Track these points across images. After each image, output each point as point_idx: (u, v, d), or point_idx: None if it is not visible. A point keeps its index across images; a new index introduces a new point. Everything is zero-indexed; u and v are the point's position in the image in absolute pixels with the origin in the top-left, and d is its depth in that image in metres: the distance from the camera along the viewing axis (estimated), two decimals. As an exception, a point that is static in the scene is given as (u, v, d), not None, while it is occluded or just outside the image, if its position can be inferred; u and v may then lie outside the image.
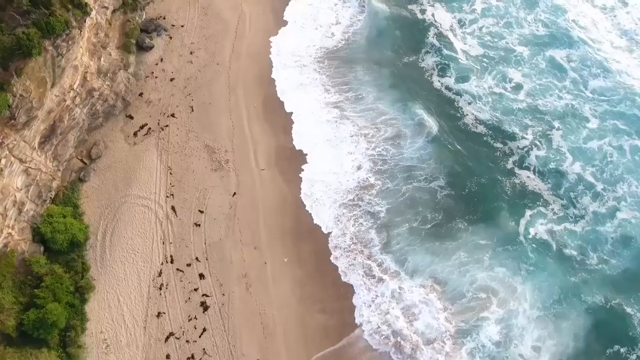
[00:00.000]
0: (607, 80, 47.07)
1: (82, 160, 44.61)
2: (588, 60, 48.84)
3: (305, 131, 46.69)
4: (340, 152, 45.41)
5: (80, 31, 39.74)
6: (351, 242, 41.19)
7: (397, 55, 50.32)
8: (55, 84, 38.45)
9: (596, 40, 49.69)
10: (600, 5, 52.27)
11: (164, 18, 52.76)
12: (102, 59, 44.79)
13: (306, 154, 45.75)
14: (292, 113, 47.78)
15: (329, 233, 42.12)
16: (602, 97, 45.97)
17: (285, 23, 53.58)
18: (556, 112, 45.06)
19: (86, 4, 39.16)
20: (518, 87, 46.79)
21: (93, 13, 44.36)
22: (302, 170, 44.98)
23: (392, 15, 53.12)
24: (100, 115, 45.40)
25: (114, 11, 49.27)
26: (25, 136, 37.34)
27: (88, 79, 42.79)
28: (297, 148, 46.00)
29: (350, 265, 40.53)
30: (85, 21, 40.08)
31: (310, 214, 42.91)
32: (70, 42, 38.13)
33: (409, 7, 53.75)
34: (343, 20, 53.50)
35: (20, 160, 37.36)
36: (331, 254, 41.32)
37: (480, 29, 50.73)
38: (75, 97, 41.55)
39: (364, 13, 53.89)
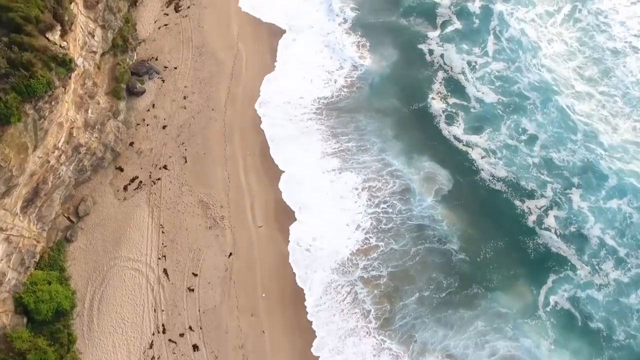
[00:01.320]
0: (619, 134, 44.37)
1: (68, 218, 42.15)
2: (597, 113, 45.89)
3: (299, 184, 44.02)
4: (338, 208, 42.72)
5: (65, 88, 37.26)
6: (341, 320, 38.23)
7: (403, 103, 47.53)
8: (38, 147, 35.96)
9: (605, 92, 47.08)
10: (611, 48, 49.62)
11: (156, 59, 50.25)
12: (89, 110, 42.30)
13: (297, 210, 42.97)
14: (286, 164, 45.18)
15: (317, 306, 39.19)
16: (616, 153, 43.35)
17: (282, 65, 50.87)
18: (573, 167, 42.33)
19: (71, 60, 36.59)
20: (532, 139, 43.98)
21: (80, 61, 42.06)
22: (291, 230, 42.25)
23: (399, 58, 50.43)
24: (88, 169, 42.92)
25: (103, 54, 46.91)
26: (5, 204, 34.78)
27: (74, 134, 40.28)
28: (287, 203, 43.43)
29: (338, 351, 37.45)
30: (70, 77, 37.57)
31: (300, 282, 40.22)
32: (53, 103, 35.61)
33: (418, 46, 51.08)
34: (345, 64, 50.61)
35: (0, 229, 34.92)
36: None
37: (491, 73, 47.87)
38: (60, 155, 39.04)
39: (368, 57, 51.09)
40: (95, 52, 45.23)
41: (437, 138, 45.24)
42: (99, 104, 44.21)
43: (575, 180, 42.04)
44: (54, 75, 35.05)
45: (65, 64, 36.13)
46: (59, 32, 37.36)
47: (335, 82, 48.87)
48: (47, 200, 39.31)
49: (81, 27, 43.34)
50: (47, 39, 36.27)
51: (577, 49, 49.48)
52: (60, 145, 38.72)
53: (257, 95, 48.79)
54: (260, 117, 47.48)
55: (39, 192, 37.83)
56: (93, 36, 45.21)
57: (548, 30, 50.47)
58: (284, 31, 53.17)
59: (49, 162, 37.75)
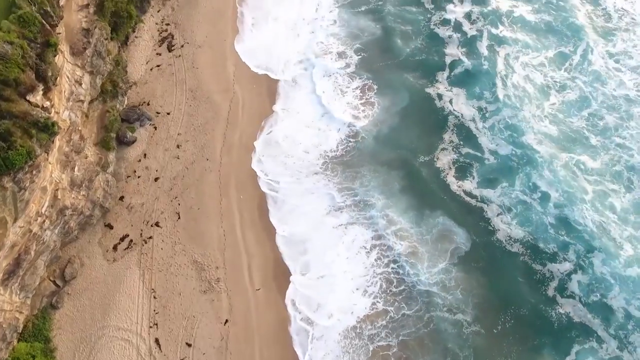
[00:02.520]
0: (633, 194, 41.90)
1: (54, 282, 39.65)
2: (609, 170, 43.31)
3: (300, 243, 41.57)
4: (343, 270, 40.24)
5: (48, 153, 34.81)
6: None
7: (412, 154, 45.03)
8: (19, 218, 33.48)
9: (620, 144, 44.49)
10: (624, 96, 47.06)
11: (148, 104, 47.74)
12: (75, 168, 39.79)
13: (297, 272, 40.48)
14: (286, 220, 42.67)
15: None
16: (630, 215, 40.83)
17: (281, 110, 48.37)
18: (590, 230, 39.88)
19: (54, 123, 34.06)
20: (545, 198, 41.50)
21: (66, 114, 39.71)
22: (291, 294, 39.75)
23: (408, 103, 47.93)
24: (75, 229, 40.48)
25: (91, 101, 44.47)
26: (-16, 282, 32.46)
27: (59, 196, 37.76)
28: (287, 263, 40.94)
29: None
30: (53, 141, 35.13)
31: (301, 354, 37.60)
32: (34, 172, 33.15)
33: (427, 90, 48.63)
34: (350, 112, 47.84)
35: (-22, 308, 32.53)
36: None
37: (500, 121, 45.44)
38: (44, 221, 36.56)
39: (375, 104, 48.42)
40: (82, 101, 42.74)
41: (448, 193, 42.68)
42: (86, 157, 41.71)
43: (595, 243, 39.55)
44: (35, 143, 32.53)
45: (48, 129, 33.61)
46: (41, 92, 34.83)
47: (338, 131, 46.28)
48: (30, 268, 36.79)
49: (67, 77, 40.86)
50: (28, 101, 33.73)
51: (588, 96, 47.00)
52: (43, 211, 36.19)
53: (253, 143, 46.28)
54: (257, 172, 44.95)
55: (20, 263, 35.26)
56: (80, 84, 42.73)
57: (558, 75, 47.97)
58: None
59: (31, 230, 35.21)
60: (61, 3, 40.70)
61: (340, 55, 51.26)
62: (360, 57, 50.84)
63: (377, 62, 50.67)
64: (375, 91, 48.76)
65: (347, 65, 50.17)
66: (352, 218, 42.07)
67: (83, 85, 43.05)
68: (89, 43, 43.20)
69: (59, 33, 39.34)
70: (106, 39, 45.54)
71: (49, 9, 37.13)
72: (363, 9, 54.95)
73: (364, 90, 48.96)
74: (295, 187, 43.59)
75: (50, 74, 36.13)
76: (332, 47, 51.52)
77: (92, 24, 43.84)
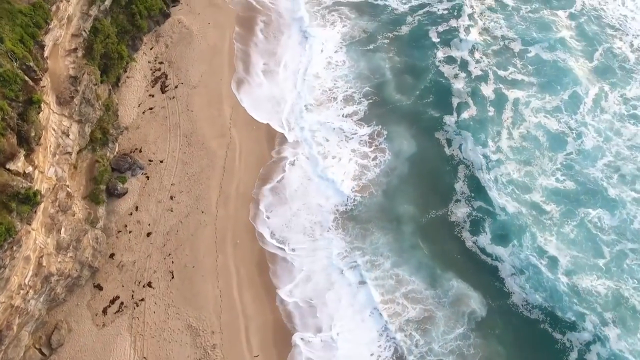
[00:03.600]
0: None
1: (40, 350, 37.26)
2: (626, 229, 40.82)
3: (302, 305, 39.39)
4: (348, 338, 37.90)
5: (30, 224, 32.51)
6: None
7: (423, 207, 42.86)
8: (-1, 295, 31.25)
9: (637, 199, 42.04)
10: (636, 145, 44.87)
11: (140, 151, 45.44)
12: (62, 230, 37.38)
13: (298, 336, 38.19)
14: (287, 280, 40.42)
15: None
16: None
17: (277, 156, 46.09)
18: (604, 300, 37.69)
19: (36, 193, 31.77)
20: (554, 263, 39.08)
21: (52, 171, 37.46)
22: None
23: (417, 150, 45.86)
24: (62, 293, 38.21)
25: (80, 151, 42.27)
26: (-39, 366, 30.17)
27: (44, 263, 35.40)
28: (288, 327, 38.71)
29: None
30: (35, 212, 32.84)
31: None
32: (15, 247, 30.87)
33: (436, 135, 46.64)
34: (358, 163, 45.54)
35: (-45, 393, 30.25)
36: None
37: (502, 175, 43.17)
38: (27, 292, 34.28)
39: (384, 153, 46.16)
40: (70, 153, 40.49)
41: (462, 250, 40.41)
42: (74, 215, 39.33)
43: (609, 315, 37.24)
44: (15, 217, 30.29)
45: (29, 200, 31.32)
46: (22, 158, 32.51)
47: (342, 182, 43.96)
48: (13, 340, 34.53)
49: (53, 130, 38.62)
50: (8, 170, 31.41)
51: (602, 146, 44.75)
52: (27, 281, 33.87)
53: (252, 193, 44.00)
54: (261, 232, 42.55)
55: (2, 340, 32.99)
56: (68, 135, 40.48)
57: (574, 120, 45.59)
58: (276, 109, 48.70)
59: (12, 305, 32.92)
60: (45, 54, 38.57)
61: (347, 100, 49.10)
62: (369, 101, 48.81)
63: (385, 106, 48.66)
64: (385, 137, 46.77)
65: (355, 113, 48.04)
66: (363, 278, 39.73)
67: (71, 136, 40.82)
68: (77, 91, 40.98)
69: (43, 86, 37.07)
70: (95, 85, 43.33)
71: (31, 63, 34.87)
72: (371, 47, 53.00)
73: (373, 136, 46.81)
74: (302, 247, 41.22)
75: (33, 134, 33.89)
76: (339, 92, 49.47)
77: (80, 70, 41.62)
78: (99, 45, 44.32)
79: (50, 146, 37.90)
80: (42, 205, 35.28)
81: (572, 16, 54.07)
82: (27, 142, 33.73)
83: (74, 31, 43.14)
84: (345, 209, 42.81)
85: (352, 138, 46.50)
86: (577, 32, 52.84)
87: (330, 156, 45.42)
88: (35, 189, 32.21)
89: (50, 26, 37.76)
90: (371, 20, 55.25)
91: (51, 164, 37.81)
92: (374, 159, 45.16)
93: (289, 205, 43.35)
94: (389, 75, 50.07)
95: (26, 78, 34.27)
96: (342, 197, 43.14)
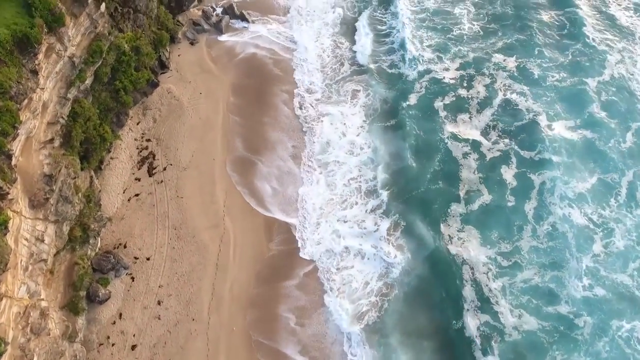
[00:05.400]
0: None
1: None
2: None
3: None
4: None
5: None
6: None
7: (440, 318, 39.04)
8: None
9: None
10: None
11: (125, 246, 41.68)
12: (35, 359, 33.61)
13: None
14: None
15: None
16: None
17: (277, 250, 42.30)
18: None
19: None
20: None
21: (23, 290, 33.76)
22: None
23: (430, 251, 41.90)
24: None
25: (57, 253, 38.43)
26: None
27: (12, 405, 31.65)
28: None
29: None
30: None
31: None
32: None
33: (441, 231, 42.41)
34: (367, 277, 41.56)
35: None
36: None
37: (525, 283, 39.13)
38: None
39: (404, 249, 42.39)
40: (45, 260, 36.79)
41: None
42: (49, 334, 35.59)
43: None
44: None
45: (-7, 354, 27.52)
46: (-14, 295, 28.73)
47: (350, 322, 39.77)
48: None
49: (25, 239, 35.10)
50: (-34, 317, 27.62)
51: (637, 246, 40.67)
52: None
53: (248, 295, 40.12)
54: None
55: None
56: (42, 240, 36.91)
57: (604, 214, 41.70)
58: (278, 199, 44.75)
59: None
60: (15, 153, 34.76)
61: (369, 194, 45.81)
62: (388, 192, 45.41)
63: (402, 196, 45.17)
64: (402, 228, 43.26)
65: (379, 206, 44.69)
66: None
67: (46, 240, 37.24)
68: (52, 191, 37.28)
69: (12, 198, 33.23)
70: (74, 178, 39.66)
71: (-4, 179, 31.07)
72: (392, 122, 49.99)
73: (390, 230, 43.23)
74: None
75: (-1, 261, 30.00)
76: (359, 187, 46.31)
77: (57, 166, 38.04)
78: (78, 131, 40.88)
79: (21, 261, 34.44)
80: (10, 335, 31.54)
81: (600, 86, 50.84)
82: (-8, 273, 29.91)
83: (50, 119, 39.64)
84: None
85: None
86: (607, 106, 49.47)
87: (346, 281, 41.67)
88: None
89: (19, 130, 33.83)
90: (389, 89, 52.38)
91: (22, 281, 34.11)
92: (396, 256, 41.51)
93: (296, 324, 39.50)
94: (406, 159, 46.77)
95: (-10, 198, 30.48)
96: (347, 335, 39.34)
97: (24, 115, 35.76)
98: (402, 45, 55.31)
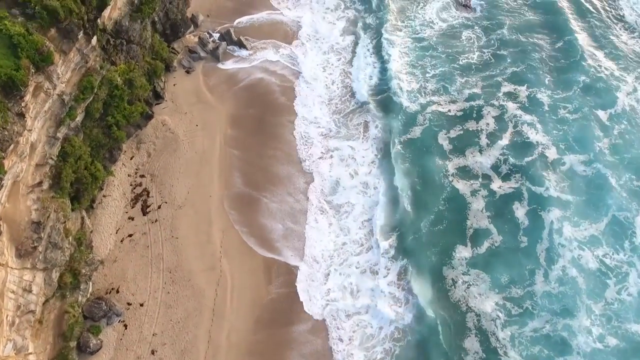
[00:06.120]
0: None
1: None
2: None
3: None
4: None
5: None
6: None
7: None
8: None
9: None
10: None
11: (117, 291, 40.17)
12: None
13: None
14: None
15: None
16: None
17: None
18: None
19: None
20: None
21: (9, 347, 32.12)
22: None
23: (435, 293, 40.38)
24: None
25: (46, 301, 36.83)
26: None
27: None
28: None
29: None
30: None
31: None
32: None
33: (444, 273, 40.88)
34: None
35: None
36: None
37: (533, 333, 37.34)
38: None
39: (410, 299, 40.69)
40: (33, 311, 35.28)
41: None
42: (36, 394, 33.99)
43: None
44: None
45: None
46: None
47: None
48: None
49: (11, 292, 33.54)
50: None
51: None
52: None
53: (247, 342, 38.49)
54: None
55: None
56: (30, 291, 35.55)
57: (617, 257, 40.07)
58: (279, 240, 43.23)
59: None
60: (2, 200, 33.21)
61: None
62: (396, 234, 43.72)
63: (407, 240, 43.23)
64: (407, 274, 41.44)
65: (386, 252, 42.80)
66: None
67: (34, 290, 35.86)
68: (40, 239, 35.62)
69: (-5, 258, 31.71)
70: (64, 223, 38.08)
71: (-20, 239, 29.54)
72: (395, 158, 48.08)
73: (392, 276, 41.51)
74: None
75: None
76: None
77: (45, 212, 36.51)
78: (68, 171, 39.33)
79: (7, 316, 32.89)
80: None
81: (612, 118, 49.47)
82: (-26, 337, 28.41)
83: (38, 160, 38.05)
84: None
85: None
86: (620, 141, 48.05)
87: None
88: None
89: (3, 181, 32.26)
90: (392, 122, 50.68)
91: (8, 338, 32.61)
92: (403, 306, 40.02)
93: None
94: (409, 199, 44.97)
95: (-28, 258, 28.97)
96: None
97: (10, 161, 34.29)
98: (398, 77, 53.45)
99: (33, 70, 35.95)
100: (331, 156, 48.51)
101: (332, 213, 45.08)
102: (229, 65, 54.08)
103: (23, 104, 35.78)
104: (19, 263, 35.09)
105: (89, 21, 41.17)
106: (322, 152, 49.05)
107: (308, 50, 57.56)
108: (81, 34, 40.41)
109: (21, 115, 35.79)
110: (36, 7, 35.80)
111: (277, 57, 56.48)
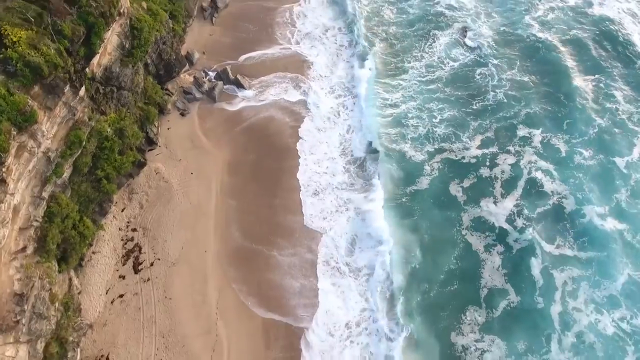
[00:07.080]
0: None
1: None
2: None
3: None
4: None
5: None
6: None
7: None
8: None
9: None
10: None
11: (107, 359, 37.81)
12: None
13: None
14: None
15: None
16: None
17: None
18: None
19: None
20: None
21: None
22: None
23: None
24: None
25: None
26: None
27: None
28: None
29: None
30: None
31: None
32: None
33: (453, 339, 38.40)
34: None
35: None
36: None
37: None
38: None
39: None
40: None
41: None
42: None
43: None
44: None
45: None
46: None
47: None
48: None
49: (-9, 374, 31.23)
50: None
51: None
52: None
53: (244, 415, 36.53)
54: None
55: None
56: (12, 367, 32.97)
57: (637, 322, 37.75)
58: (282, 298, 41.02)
59: None
60: (-18, 275, 31.13)
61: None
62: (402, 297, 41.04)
63: (414, 302, 40.87)
64: (414, 341, 38.94)
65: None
66: None
67: (16, 366, 33.28)
68: (24, 311, 33.47)
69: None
70: (49, 290, 35.80)
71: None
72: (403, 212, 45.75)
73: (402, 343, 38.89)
74: None
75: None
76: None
77: (29, 282, 34.26)
78: (55, 232, 37.26)
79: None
80: None
81: (629, 167, 47.34)
82: None
83: (22, 224, 35.94)
84: None
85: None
86: (637, 191, 45.67)
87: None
88: None
89: (-16, 259, 30.25)
90: (400, 171, 48.40)
91: None
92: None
93: None
94: (417, 257, 42.61)
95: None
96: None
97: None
98: (406, 122, 51.33)
99: (15, 132, 34.03)
100: (347, 209, 45.79)
101: (341, 271, 42.55)
102: (224, 106, 51.75)
103: (4, 169, 33.87)
104: (1, 339, 33.15)
105: (76, 72, 39.15)
106: (336, 206, 46.23)
107: (319, 91, 54.66)
108: (67, 88, 38.40)
109: (2, 181, 33.84)
110: (18, 65, 33.87)
111: (283, 98, 53.70)
